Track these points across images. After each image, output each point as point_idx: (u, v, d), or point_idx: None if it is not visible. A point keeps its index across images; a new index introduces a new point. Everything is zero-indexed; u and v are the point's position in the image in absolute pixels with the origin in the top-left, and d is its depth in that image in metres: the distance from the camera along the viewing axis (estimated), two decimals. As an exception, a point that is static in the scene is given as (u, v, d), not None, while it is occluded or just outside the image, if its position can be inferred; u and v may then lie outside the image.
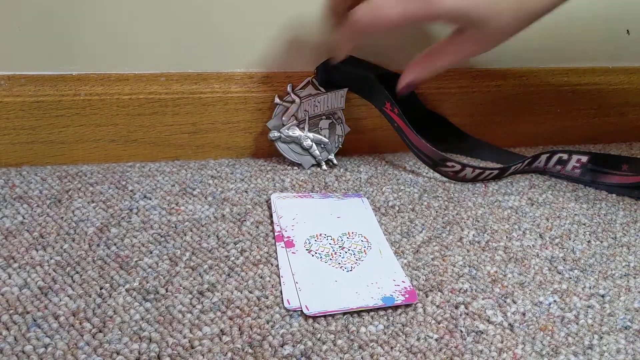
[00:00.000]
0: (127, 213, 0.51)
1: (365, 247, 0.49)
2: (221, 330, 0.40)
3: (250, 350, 0.39)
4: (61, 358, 0.37)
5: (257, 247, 0.49)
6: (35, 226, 0.49)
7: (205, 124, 0.60)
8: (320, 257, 0.47)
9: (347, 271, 0.46)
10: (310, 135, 0.59)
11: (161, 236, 0.49)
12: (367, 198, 0.57)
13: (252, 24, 0.58)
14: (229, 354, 0.38)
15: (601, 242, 0.54)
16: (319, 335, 0.40)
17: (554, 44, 0.67)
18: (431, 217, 0.55)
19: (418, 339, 0.41)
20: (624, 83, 0.71)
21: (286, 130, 0.58)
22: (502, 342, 0.41)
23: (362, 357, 0.39)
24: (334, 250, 0.48)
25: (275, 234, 0.50)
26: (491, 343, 0.41)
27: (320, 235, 0.50)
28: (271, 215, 0.53)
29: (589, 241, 0.54)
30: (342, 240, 0.50)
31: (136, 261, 0.46)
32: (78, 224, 0.49)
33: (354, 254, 0.48)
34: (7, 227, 0.48)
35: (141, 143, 0.59)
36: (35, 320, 0.39)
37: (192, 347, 0.38)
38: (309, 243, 0.49)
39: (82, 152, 0.58)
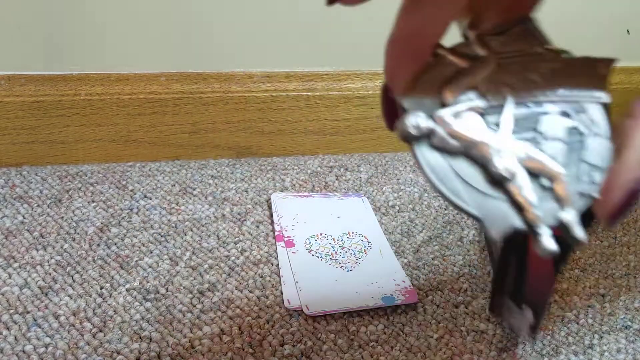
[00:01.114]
0: (128, 213, 0.51)
1: (365, 246, 0.49)
2: (221, 330, 0.40)
3: (250, 350, 0.39)
4: (61, 357, 0.37)
5: (258, 247, 0.48)
6: (36, 226, 0.49)
7: (205, 123, 0.60)
8: (321, 257, 0.47)
9: (347, 271, 0.46)
10: (519, 148, 0.22)
11: (161, 236, 0.49)
12: (367, 198, 0.57)
13: (252, 24, 0.58)
14: (229, 354, 0.38)
15: (601, 242, 0.54)
16: (319, 335, 0.40)
17: (554, 44, 0.67)
18: (431, 217, 0.55)
19: (418, 339, 0.41)
20: (624, 83, 0.71)
21: (451, 117, 0.22)
22: (502, 341, 0.41)
23: (362, 357, 0.39)
24: (334, 250, 0.48)
25: (276, 233, 0.50)
26: (491, 343, 0.41)
27: (321, 235, 0.50)
28: (271, 215, 0.53)
29: (588, 241, 0.54)
30: (342, 240, 0.50)
31: (136, 261, 0.46)
32: (78, 223, 0.49)
33: (354, 253, 0.48)
34: (7, 227, 0.48)
35: (141, 143, 0.59)
36: (35, 320, 0.39)
37: (192, 347, 0.38)
38: (309, 243, 0.49)
39: (82, 152, 0.58)
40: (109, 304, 0.41)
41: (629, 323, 0.44)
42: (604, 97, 0.23)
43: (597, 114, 0.23)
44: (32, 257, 0.45)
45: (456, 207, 0.22)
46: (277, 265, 0.47)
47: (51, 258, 0.45)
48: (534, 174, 0.22)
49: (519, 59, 0.23)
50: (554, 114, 0.22)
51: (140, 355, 0.37)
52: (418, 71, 0.23)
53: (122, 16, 0.54)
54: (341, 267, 0.47)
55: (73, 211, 0.51)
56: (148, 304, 0.42)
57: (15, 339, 0.38)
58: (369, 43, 0.61)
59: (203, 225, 0.51)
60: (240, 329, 0.40)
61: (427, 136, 0.22)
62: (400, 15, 0.23)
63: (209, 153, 0.62)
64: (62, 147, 0.57)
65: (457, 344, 0.41)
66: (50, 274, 0.43)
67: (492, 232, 0.22)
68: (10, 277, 0.43)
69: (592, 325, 0.44)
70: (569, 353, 0.41)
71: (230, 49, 0.59)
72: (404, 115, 0.22)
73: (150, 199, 0.54)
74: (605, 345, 0.42)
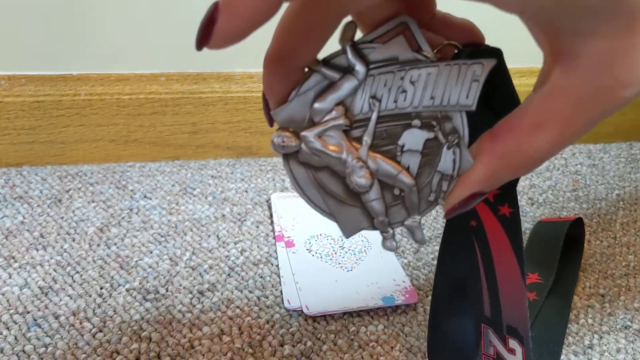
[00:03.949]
0: (127, 213, 0.51)
1: (365, 246, 0.49)
2: (221, 330, 0.40)
3: (250, 350, 0.39)
4: (61, 357, 0.37)
5: (257, 247, 0.49)
6: (36, 226, 0.49)
7: (205, 123, 0.60)
8: (321, 257, 0.47)
9: (347, 271, 0.46)
10: (374, 161, 0.24)
11: (161, 236, 0.49)
12: (367, 198, 0.57)
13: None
14: (229, 354, 0.38)
15: (601, 242, 0.54)
16: (319, 335, 0.40)
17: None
18: (431, 217, 0.55)
19: (418, 339, 0.41)
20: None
21: (314, 137, 0.24)
22: (502, 341, 0.41)
23: (362, 357, 0.39)
24: (334, 250, 0.48)
25: (276, 233, 0.50)
26: (491, 343, 0.41)
27: (321, 235, 0.50)
28: (271, 215, 0.53)
29: (589, 241, 0.54)
30: (342, 240, 0.50)
31: (136, 261, 0.46)
32: (78, 223, 0.49)
33: (354, 253, 0.48)
34: (7, 227, 0.48)
35: (141, 143, 0.59)
36: (35, 320, 0.39)
37: (192, 347, 0.38)
38: (309, 243, 0.49)
39: (82, 152, 0.58)
40: (108, 304, 0.41)
41: (629, 323, 0.44)
42: (471, 105, 0.23)
43: (460, 122, 0.23)
44: (32, 257, 0.45)
45: (317, 211, 0.26)
46: (277, 265, 0.47)
47: (51, 258, 0.45)
48: (388, 184, 0.24)
49: (392, 67, 0.23)
50: (415, 128, 0.24)
51: (140, 355, 0.37)
52: (290, 87, 0.23)
53: (122, 16, 0.54)
54: (341, 267, 0.47)
55: (73, 211, 0.51)
56: (148, 304, 0.42)
57: (15, 339, 0.38)
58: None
59: (203, 226, 0.51)
60: (240, 329, 0.40)
61: (294, 152, 0.24)
62: (274, 34, 0.23)
63: (209, 153, 0.62)
64: (62, 147, 0.57)
65: (457, 344, 0.41)
66: (50, 274, 0.43)
67: (343, 233, 0.26)
68: (10, 277, 0.43)
69: (592, 325, 0.44)
70: (569, 353, 0.41)
71: (230, 49, 0.59)
72: (274, 133, 0.24)
73: (150, 199, 0.54)
74: (605, 345, 0.42)
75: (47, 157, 0.57)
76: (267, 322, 0.41)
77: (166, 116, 0.58)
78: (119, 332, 0.39)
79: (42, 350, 0.37)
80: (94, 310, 0.41)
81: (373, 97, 0.23)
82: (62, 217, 0.50)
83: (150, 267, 0.45)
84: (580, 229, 0.49)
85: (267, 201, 0.55)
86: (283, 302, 0.43)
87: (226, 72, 0.59)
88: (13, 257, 0.45)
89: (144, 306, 0.41)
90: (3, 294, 0.41)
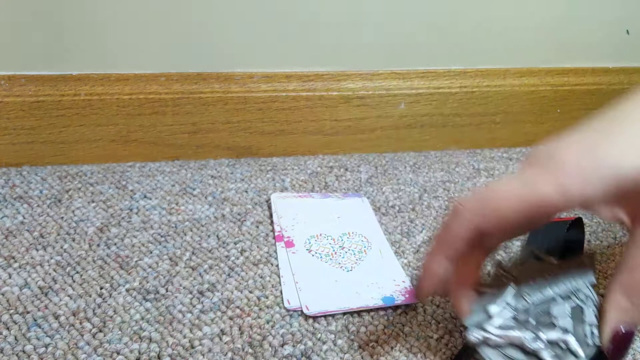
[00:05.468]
0: (127, 213, 0.51)
1: (365, 247, 0.49)
2: (221, 330, 0.40)
3: (250, 350, 0.39)
4: (61, 358, 0.37)
5: (257, 247, 0.49)
6: (36, 226, 0.49)
7: (205, 123, 0.60)
8: (321, 257, 0.47)
9: (347, 271, 0.46)
10: (542, 332, 0.35)
11: (161, 236, 0.49)
12: (367, 198, 0.57)
13: (252, 24, 0.58)
14: (229, 354, 0.38)
15: (601, 242, 0.54)
16: (319, 335, 0.40)
17: (554, 44, 0.67)
18: (431, 217, 0.55)
19: (418, 339, 0.41)
20: (623, 83, 0.71)
21: (495, 327, 0.35)
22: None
23: (362, 357, 0.39)
24: (334, 250, 0.48)
25: (275, 233, 0.50)
26: (491, 343, 0.41)
27: (321, 235, 0.50)
28: (271, 215, 0.53)
29: (589, 241, 0.54)
30: (342, 240, 0.50)
31: (136, 261, 0.46)
32: (78, 223, 0.49)
33: (354, 253, 0.48)
34: (7, 227, 0.48)
35: (141, 143, 0.59)
36: (35, 320, 0.39)
37: (192, 347, 0.38)
38: (309, 243, 0.49)
39: (82, 152, 0.58)
40: (108, 304, 0.41)
41: (629, 323, 0.44)
42: (593, 279, 0.37)
43: (588, 291, 0.37)
44: (32, 257, 0.45)
45: None
46: (277, 265, 0.47)
47: (51, 258, 0.45)
48: (554, 344, 0.34)
49: (531, 272, 0.38)
50: (560, 302, 0.36)
51: (140, 356, 0.37)
52: (471, 301, 0.36)
53: (122, 16, 0.54)
54: (341, 267, 0.47)
55: (73, 211, 0.51)
56: (148, 304, 0.42)
57: (15, 339, 0.38)
58: (369, 43, 0.61)
59: (203, 226, 0.51)
60: (240, 329, 0.40)
61: (484, 341, 0.35)
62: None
63: (209, 153, 0.62)
64: (62, 147, 0.57)
65: (457, 344, 0.41)
66: (50, 274, 0.43)
67: None
68: (10, 277, 0.43)
69: (592, 325, 0.44)
70: (569, 353, 0.41)
71: (230, 49, 0.59)
72: (468, 330, 0.35)
73: (150, 199, 0.54)
74: (605, 345, 0.42)
75: (47, 157, 0.57)
76: (267, 322, 0.41)
77: (166, 116, 0.58)
78: (119, 332, 0.39)
79: (42, 350, 0.37)
80: (94, 310, 0.41)
81: (525, 293, 0.37)
82: (62, 217, 0.50)
83: (150, 267, 0.45)
84: (580, 229, 0.49)
85: (267, 201, 0.55)
86: (283, 302, 0.43)
87: (226, 72, 0.59)
88: (13, 257, 0.45)
89: (144, 306, 0.41)
90: (3, 294, 0.41)
